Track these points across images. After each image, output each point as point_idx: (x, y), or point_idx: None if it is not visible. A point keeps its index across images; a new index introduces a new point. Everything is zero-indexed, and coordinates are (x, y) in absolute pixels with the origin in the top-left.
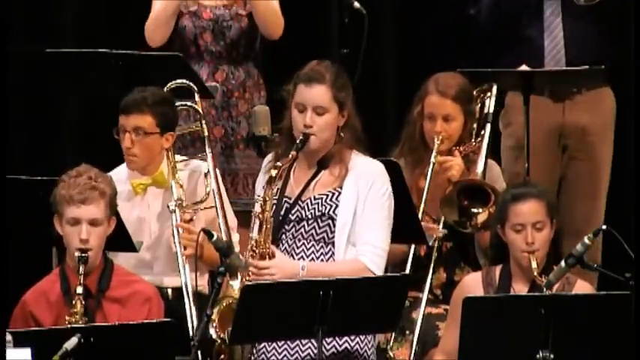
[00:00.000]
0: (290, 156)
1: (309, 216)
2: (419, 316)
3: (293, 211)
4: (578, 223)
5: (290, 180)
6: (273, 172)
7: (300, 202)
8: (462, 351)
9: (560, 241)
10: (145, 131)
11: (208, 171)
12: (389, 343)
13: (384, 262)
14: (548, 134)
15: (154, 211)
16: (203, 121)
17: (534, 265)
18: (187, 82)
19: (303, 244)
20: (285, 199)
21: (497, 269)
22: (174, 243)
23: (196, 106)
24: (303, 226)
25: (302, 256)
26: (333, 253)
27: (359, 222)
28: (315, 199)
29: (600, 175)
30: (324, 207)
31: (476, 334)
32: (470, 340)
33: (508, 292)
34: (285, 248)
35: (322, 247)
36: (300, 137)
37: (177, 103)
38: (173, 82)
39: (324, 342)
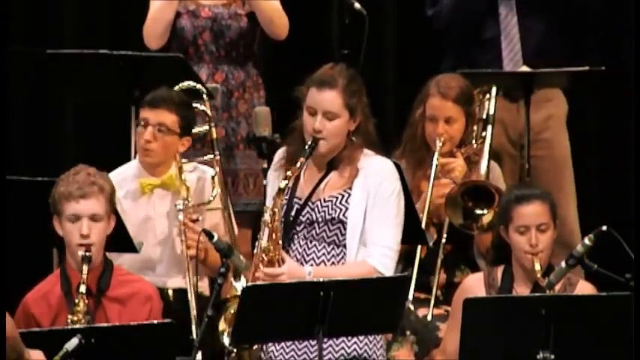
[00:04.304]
0: (298, 163)
1: (320, 219)
2: (428, 315)
3: (303, 213)
4: None
5: (300, 180)
6: (282, 184)
7: (310, 204)
8: (462, 351)
9: None
10: (167, 128)
11: (215, 174)
12: (391, 344)
13: (394, 262)
14: (505, 134)
15: (160, 211)
16: (212, 124)
17: (538, 267)
18: (196, 84)
19: (315, 245)
20: (295, 199)
21: (499, 270)
22: (181, 242)
23: (206, 109)
24: (314, 228)
25: (313, 258)
26: (344, 254)
27: (368, 222)
28: (325, 201)
29: (563, 167)
30: (333, 210)
31: (476, 334)
32: (470, 340)
33: (510, 294)
34: (297, 249)
35: (334, 249)
36: (309, 142)
37: None
38: (182, 84)
39: (332, 345)
